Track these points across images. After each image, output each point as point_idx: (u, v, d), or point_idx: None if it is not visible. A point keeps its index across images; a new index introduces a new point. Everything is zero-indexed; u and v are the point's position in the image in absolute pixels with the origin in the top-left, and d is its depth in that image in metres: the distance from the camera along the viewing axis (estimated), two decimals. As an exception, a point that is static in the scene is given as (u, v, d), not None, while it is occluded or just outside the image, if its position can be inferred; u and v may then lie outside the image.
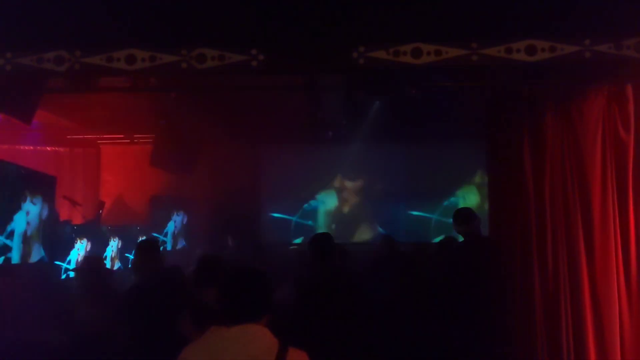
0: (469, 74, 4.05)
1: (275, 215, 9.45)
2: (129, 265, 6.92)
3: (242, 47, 3.69)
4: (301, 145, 9.09)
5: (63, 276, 6.36)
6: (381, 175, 9.21)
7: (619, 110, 3.68)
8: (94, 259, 5.48)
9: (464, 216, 4.59)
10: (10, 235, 5.29)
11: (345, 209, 9.53)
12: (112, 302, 4.19)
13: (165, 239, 8.41)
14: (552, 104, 3.70)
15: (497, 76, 3.90)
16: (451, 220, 4.78)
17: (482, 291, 3.87)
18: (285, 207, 9.44)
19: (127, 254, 7.43)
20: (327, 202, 9.51)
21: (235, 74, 3.98)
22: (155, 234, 8.04)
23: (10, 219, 5.33)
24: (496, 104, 3.80)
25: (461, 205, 8.01)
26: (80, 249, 6.75)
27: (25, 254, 5.55)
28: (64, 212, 7.39)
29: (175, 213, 8.77)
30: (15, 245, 5.36)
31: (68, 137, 8.45)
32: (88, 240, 6.88)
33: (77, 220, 7.55)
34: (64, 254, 6.50)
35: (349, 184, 9.51)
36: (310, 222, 9.43)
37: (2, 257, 5.16)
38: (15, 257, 5.36)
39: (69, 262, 6.51)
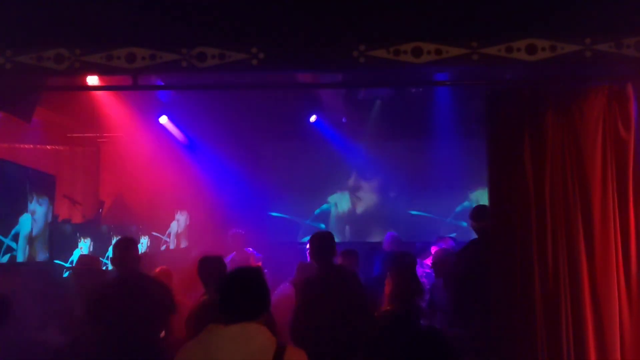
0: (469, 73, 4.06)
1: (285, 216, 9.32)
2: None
3: (243, 46, 3.69)
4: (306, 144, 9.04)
5: (65, 274, 6.35)
6: (395, 177, 9.12)
7: (619, 109, 3.66)
8: (89, 259, 5.48)
9: (481, 213, 4.59)
10: (15, 237, 5.23)
11: (359, 210, 9.43)
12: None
13: (167, 239, 8.41)
14: (552, 103, 3.68)
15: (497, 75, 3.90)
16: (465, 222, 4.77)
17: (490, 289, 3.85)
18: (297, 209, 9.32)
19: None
20: (340, 203, 9.41)
21: (235, 72, 3.98)
22: (155, 234, 8.05)
23: (16, 222, 5.26)
24: (496, 103, 3.78)
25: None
26: (83, 249, 6.74)
27: (31, 256, 5.51)
28: (64, 211, 7.38)
29: (178, 212, 8.77)
30: (20, 247, 5.29)
31: (68, 135, 8.44)
32: (92, 239, 6.87)
33: (77, 219, 7.52)
34: (68, 253, 6.46)
35: (363, 184, 9.41)
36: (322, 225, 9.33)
37: (8, 255, 5.11)
38: (19, 258, 5.31)
39: (71, 263, 6.49)
